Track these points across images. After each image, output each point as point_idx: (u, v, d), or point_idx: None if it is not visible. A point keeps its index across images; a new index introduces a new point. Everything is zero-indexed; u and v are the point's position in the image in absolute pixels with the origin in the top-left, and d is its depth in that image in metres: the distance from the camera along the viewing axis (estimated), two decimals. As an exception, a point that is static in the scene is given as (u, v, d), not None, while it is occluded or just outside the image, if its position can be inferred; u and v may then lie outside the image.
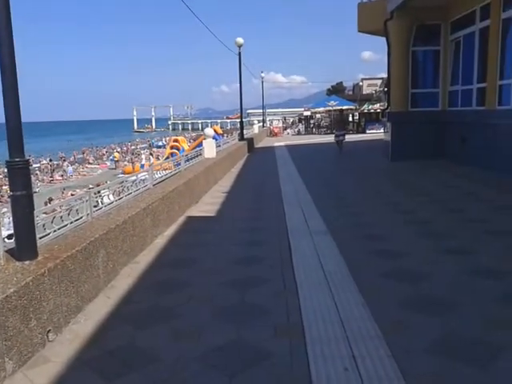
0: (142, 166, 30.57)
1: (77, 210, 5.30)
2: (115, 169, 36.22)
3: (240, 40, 23.46)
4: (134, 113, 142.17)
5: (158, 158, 35.91)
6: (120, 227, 5.35)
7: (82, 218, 5.29)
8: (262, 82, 45.49)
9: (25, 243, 4.01)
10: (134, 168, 30.40)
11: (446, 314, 3.73)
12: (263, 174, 13.69)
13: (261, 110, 53.71)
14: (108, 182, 8.93)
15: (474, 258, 5.07)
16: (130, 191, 6.94)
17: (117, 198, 6.57)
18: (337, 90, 74.08)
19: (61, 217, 4.95)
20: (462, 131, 12.93)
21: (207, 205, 9.05)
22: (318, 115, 41.71)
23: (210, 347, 3.42)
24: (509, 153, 10.25)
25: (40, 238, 4.31)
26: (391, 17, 14.72)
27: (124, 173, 29.48)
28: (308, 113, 41.93)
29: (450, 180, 10.70)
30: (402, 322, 3.65)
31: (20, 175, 4.03)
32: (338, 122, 20.35)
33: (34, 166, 35.99)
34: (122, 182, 6.99)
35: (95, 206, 5.76)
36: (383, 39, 15.87)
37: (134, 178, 7.74)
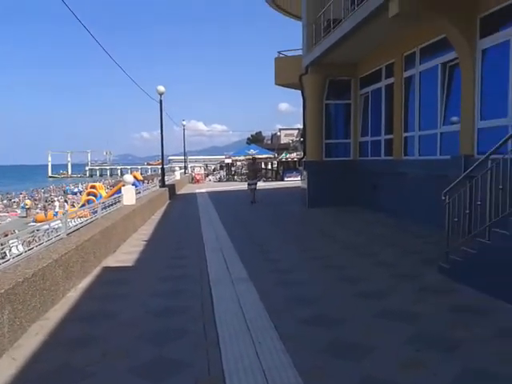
0: (56, 213, 29.03)
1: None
2: (26, 217, 34.04)
3: (161, 88, 23.66)
4: (49, 158, 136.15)
5: (73, 206, 34.35)
6: (29, 280, 4.99)
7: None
8: (184, 130, 45.87)
9: None
10: (46, 216, 28.76)
11: (363, 359, 3.84)
12: (184, 221, 13.56)
13: (182, 157, 53.78)
14: (17, 231, 8.36)
15: (387, 301, 5.31)
16: (42, 241, 6.56)
17: (27, 249, 6.17)
18: (256, 139, 76.43)
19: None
20: (372, 179, 13.79)
21: (125, 254, 8.73)
22: (239, 163, 42.59)
23: (126, 407, 3.22)
24: (415, 200, 11.06)
25: None
26: (306, 72, 15.70)
27: (36, 221, 27.81)
28: (229, 160, 42.68)
29: (363, 226, 11.26)
30: (322, 368, 3.70)
31: None
32: (250, 171, 19.24)
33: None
34: (33, 231, 6.59)
35: (2, 258, 5.36)
36: (299, 92, 16.81)
37: (47, 226, 7.32)
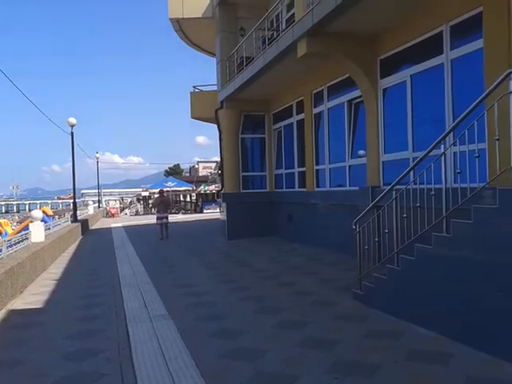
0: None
1: None
2: None
3: (72, 120, 22.87)
4: None
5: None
6: None
7: None
8: (97, 163, 44.33)
9: None
10: None
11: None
12: (99, 257, 12.97)
13: (96, 190, 51.78)
14: None
15: (306, 330, 5.44)
16: None
17: None
18: (174, 172, 75.92)
19: None
20: (288, 210, 14.23)
21: (34, 295, 8.14)
22: (157, 195, 41.84)
23: None
24: (328, 229, 11.55)
25: None
26: (221, 106, 16.04)
27: None
28: (146, 193, 41.84)
29: (279, 256, 11.51)
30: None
31: None
32: (159, 204, 17.42)
33: None
34: None
35: None
36: (215, 126, 17.10)
37: None
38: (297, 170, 14.04)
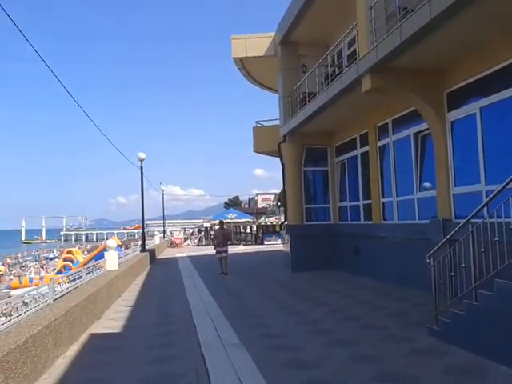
0: (31, 280, 28.15)
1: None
2: (-1, 283, 32.81)
3: (142, 155, 24.24)
4: (23, 223, 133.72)
5: (47, 271, 33.38)
6: (21, 347, 4.95)
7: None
8: (163, 194, 46.13)
9: None
10: (21, 282, 27.84)
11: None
12: (168, 286, 13.43)
13: (158, 221, 53.73)
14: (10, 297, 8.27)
15: (382, 364, 5.37)
16: (30, 307, 6.49)
17: (15, 315, 6.09)
18: (234, 203, 77.07)
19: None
20: (353, 243, 14.08)
21: (111, 320, 8.61)
22: (217, 227, 42.63)
23: None
24: (397, 263, 11.30)
25: None
26: (284, 140, 16.39)
27: (10, 287, 26.84)
28: (208, 224, 42.73)
29: (346, 289, 11.35)
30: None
31: None
32: (218, 236, 16.42)
33: None
34: (22, 296, 6.53)
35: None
36: (273, 159, 17.45)
37: (35, 292, 7.25)
38: (362, 202, 13.96)
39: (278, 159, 17.85)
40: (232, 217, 39.22)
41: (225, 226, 18.56)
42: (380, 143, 12.76)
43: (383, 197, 12.58)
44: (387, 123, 12.24)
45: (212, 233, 42.26)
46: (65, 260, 30.98)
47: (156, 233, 36.49)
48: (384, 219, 12.51)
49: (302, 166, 16.18)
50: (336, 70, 13.42)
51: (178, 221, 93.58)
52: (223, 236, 16.42)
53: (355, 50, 11.69)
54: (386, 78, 9.43)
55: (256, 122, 21.57)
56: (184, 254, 27.07)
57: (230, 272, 15.72)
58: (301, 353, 6.01)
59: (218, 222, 40.18)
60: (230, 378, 5.10)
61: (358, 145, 14.16)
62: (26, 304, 6.40)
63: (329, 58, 13.48)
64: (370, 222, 13.15)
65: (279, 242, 31.31)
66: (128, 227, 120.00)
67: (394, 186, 11.99)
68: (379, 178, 12.76)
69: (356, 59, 10.51)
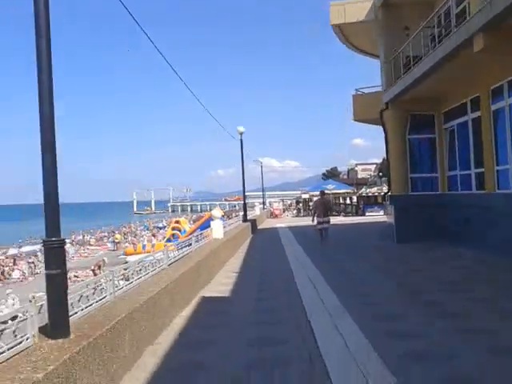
0: (144, 246, 30.59)
1: (101, 290, 5.41)
2: (116, 250, 36.14)
3: (241, 128, 24.87)
4: (134, 196, 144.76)
5: (157, 240, 36.04)
6: (143, 307, 5.44)
7: (105, 297, 5.40)
8: (261, 167, 47.13)
9: (59, 321, 4.07)
10: (135, 249, 30.39)
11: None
12: (271, 254, 13.81)
13: (257, 193, 55.05)
14: (127, 262, 9.10)
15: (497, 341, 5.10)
16: (148, 271, 7.08)
17: (136, 278, 6.68)
18: (332, 175, 76.22)
19: (87, 296, 5.05)
20: (463, 213, 13.26)
21: (219, 285, 9.11)
22: (315, 198, 42.58)
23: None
24: (509, 234, 10.49)
25: (70, 317, 4.39)
26: (386, 107, 15.74)
27: (126, 254, 29.42)
28: (306, 195, 42.83)
29: (455, 262, 10.78)
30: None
31: (55, 254, 4.16)
32: (319, 206, 15.76)
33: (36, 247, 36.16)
34: (141, 261, 7.13)
35: (116, 286, 5.87)
36: (372, 127, 16.82)
37: (151, 257, 7.88)
38: (473, 171, 13.06)
39: (378, 128, 17.25)
40: (331, 188, 38.88)
41: (325, 196, 18.21)
42: (494, 107, 11.78)
43: (497, 165, 11.66)
44: (502, 85, 11.24)
45: (311, 204, 42.50)
46: (173, 229, 33.01)
47: (256, 204, 37.52)
48: (498, 188, 11.62)
49: (407, 134, 15.48)
50: (443, 30, 12.51)
51: (275, 192, 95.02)
52: (324, 206, 15.90)
53: (465, 8, 10.78)
54: (501, 36, 8.67)
55: (356, 89, 20.98)
56: (283, 225, 27.54)
57: (331, 242, 15.52)
58: (404, 323, 5.87)
59: (316, 193, 40.34)
60: (336, 342, 5.16)
61: (469, 110, 13.20)
62: (142, 268, 6.98)
63: (435, 19, 12.58)
64: (483, 192, 12.29)
65: (381, 213, 30.47)
66: (228, 198, 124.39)
67: (510, 153, 11.05)
68: (493, 144, 11.83)
69: (466, 18, 9.74)
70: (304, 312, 6.63)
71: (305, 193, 45.27)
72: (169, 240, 28.14)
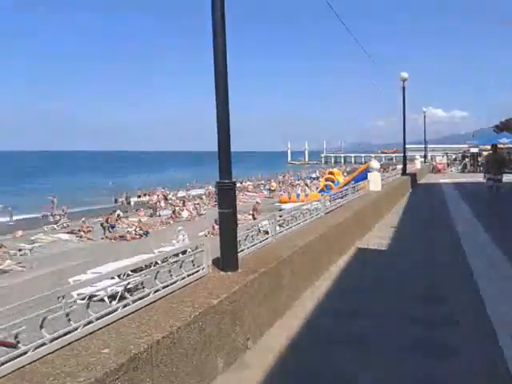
0: (298, 195, 31.44)
1: (264, 232, 5.70)
2: (271, 198, 37.82)
3: (404, 74, 23.14)
4: (289, 145, 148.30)
5: (311, 190, 36.67)
6: (301, 250, 5.60)
7: (267, 238, 5.68)
8: (424, 117, 43.86)
9: (229, 255, 4.42)
10: (290, 197, 31.42)
11: None
12: (433, 212, 12.91)
13: (418, 146, 51.76)
14: (282, 210, 9.46)
15: None
16: (306, 218, 7.23)
17: (295, 224, 6.87)
18: (507, 127, 67.62)
19: (252, 236, 5.36)
20: None
21: (376, 238, 8.92)
22: (485, 153, 38.41)
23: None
24: None
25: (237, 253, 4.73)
26: None
27: (280, 202, 30.61)
28: (475, 150, 38.92)
29: None
30: None
31: (227, 195, 4.48)
32: (490, 162, 14.31)
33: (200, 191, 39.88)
34: (298, 208, 7.30)
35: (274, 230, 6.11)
36: None
37: (308, 205, 8.02)
38: None
39: None
40: (505, 142, 34.62)
41: (498, 151, 16.05)
42: None
43: None
44: None
45: (480, 159, 38.50)
46: (326, 180, 33.15)
47: (417, 157, 35.33)
48: None
49: None
50: None
51: (439, 145, 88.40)
52: (497, 162, 14.16)
53: None
54: None
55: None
56: (447, 180, 25.57)
57: (502, 204, 13.73)
58: None
59: (487, 147, 36.35)
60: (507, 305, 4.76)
61: None
62: (300, 215, 7.13)
63: None
64: None
65: None
66: (386, 150, 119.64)
67: None
68: None
69: None
70: (470, 273, 6.16)
71: (473, 146, 41.12)
72: (322, 191, 28.41)
